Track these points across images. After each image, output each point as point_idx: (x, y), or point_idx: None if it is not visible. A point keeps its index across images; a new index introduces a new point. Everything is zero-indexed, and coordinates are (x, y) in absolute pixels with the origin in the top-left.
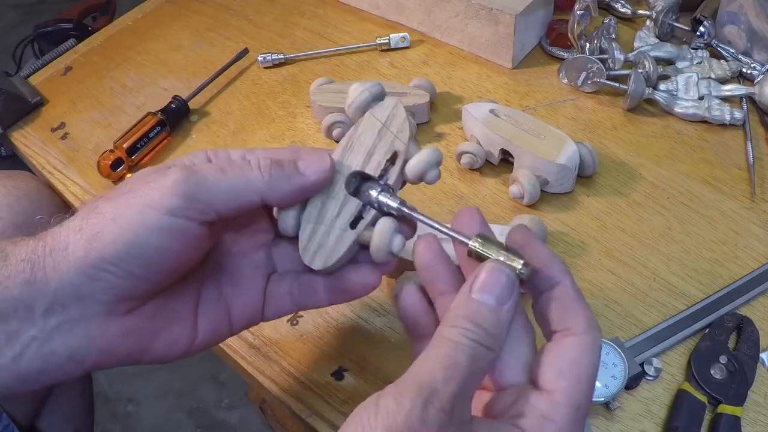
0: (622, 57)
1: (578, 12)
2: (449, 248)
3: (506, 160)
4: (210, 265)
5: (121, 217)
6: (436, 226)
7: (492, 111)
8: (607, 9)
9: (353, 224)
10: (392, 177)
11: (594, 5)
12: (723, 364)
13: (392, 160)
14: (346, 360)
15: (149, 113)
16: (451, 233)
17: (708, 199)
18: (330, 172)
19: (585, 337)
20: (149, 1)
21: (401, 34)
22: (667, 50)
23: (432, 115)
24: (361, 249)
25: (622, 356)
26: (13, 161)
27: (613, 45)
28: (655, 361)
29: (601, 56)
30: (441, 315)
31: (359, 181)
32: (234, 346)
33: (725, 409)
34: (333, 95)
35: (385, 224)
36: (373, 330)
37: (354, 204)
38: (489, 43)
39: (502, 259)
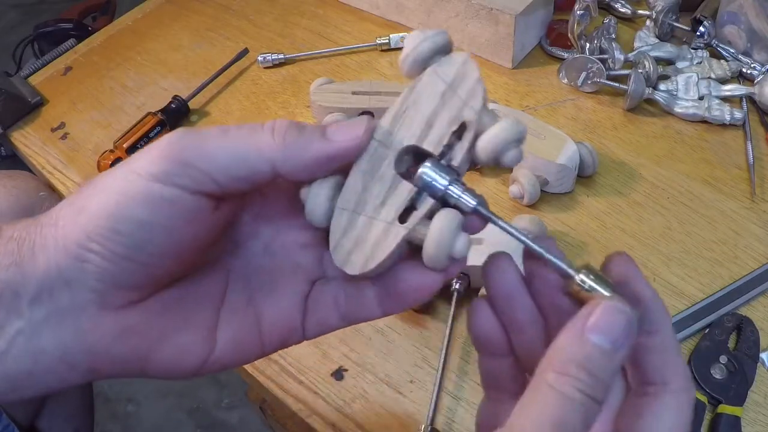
0: (622, 57)
1: (578, 12)
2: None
3: None
4: (239, 261)
5: (107, 186)
6: (534, 246)
7: (492, 111)
8: (607, 9)
9: (403, 217)
10: (458, 156)
11: (594, 5)
12: (723, 364)
13: (459, 133)
14: (346, 360)
15: (149, 113)
16: (553, 260)
17: (708, 199)
18: (364, 138)
19: (685, 396)
20: (149, 1)
21: (401, 34)
22: (667, 50)
23: None
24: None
25: None
26: (13, 161)
27: (613, 45)
28: None
29: (601, 56)
30: (518, 348)
31: (414, 160)
32: None
33: (725, 409)
34: (333, 95)
35: (446, 219)
36: (373, 330)
37: (405, 189)
38: (489, 43)
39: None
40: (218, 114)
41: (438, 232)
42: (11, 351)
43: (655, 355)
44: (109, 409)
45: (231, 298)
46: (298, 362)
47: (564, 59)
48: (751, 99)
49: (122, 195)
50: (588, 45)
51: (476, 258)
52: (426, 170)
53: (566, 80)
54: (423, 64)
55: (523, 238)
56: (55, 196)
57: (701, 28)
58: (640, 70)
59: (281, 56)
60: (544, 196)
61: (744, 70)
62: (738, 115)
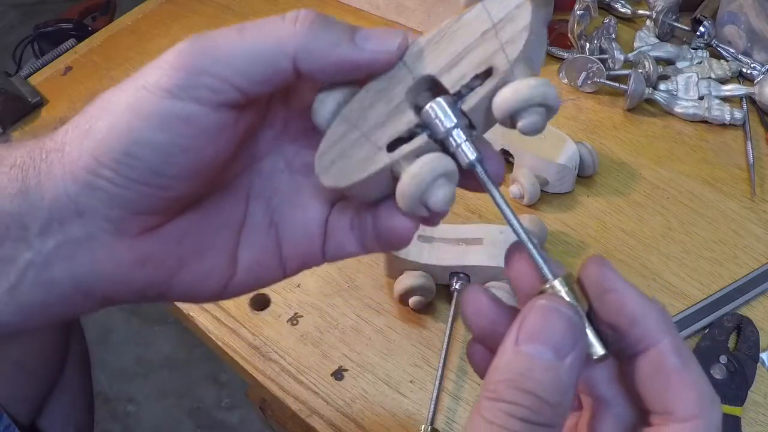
0: (622, 57)
1: (578, 12)
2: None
3: (506, 160)
4: (260, 180)
5: (115, 104)
6: (522, 235)
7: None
8: (607, 9)
9: (393, 146)
10: (472, 101)
11: (594, 5)
12: (723, 364)
13: (483, 77)
14: (346, 360)
15: None
16: (535, 256)
17: (708, 199)
18: (396, 54)
19: (694, 424)
20: (149, 1)
21: None
22: (667, 50)
23: None
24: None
25: None
26: None
27: (613, 45)
28: None
29: (601, 56)
30: None
31: (426, 91)
32: (234, 346)
33: (725, 409)
34: None
35: (429, 161)
36: (373, 330)
37: (407, 118)
38: None
39: (567, 299)
40: None
41: (416, 170)
42: (23, 284)
43: (652, 377)
44: (109, 409)
45: (251, 220)
46: (298, 362)
47: (564, 59)
48: (751, 99)
49: (133, 116)
50: (588, 45)
51: (476, 258)
52: (434, 105)
53: (566, 80)
54: None
55: (515, 222)
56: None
57: (701, 28)
58: (640, 70)
59: None
60: (544, 196)
61: (744, 70)
62: (738, 115)
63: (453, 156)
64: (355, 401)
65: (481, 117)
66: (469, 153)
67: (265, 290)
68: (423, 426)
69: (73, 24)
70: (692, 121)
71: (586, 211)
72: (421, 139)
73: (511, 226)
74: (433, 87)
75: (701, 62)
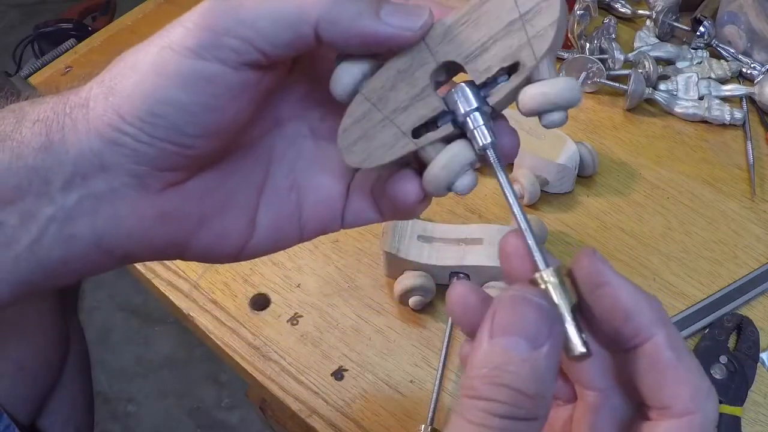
0: (622, 57)
1: (578, 12)
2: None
3: None
4: (283, 142)
5: (140, 63)
6: (522, 221)
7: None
8: (607, 9)
9: (417, 132)
10: (498, 95)
11: (594, 5)
12: (723, 364)
13: (508, 70)
14: (346, 360)
15: None
16: (531, 245)
17: (708, 199)
18: (420, 33)
19: (690, 419)
20: (149, 1)
21: None
22: (667, 50)
23: None
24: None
25: None
26: None
27: (613, 45)
28: None
29: (601, 56)
30: None
31: (448, 72)
32: (234, 346)
33: (725, 409)
34: None
35: (459, 151)
36: (373, 330)
37: (432, 104)
38: None
39: (556, 300)
40: None
41: (446, 161)
42: (44, 239)
43: (647, 372)
44: (109, 409)
45: (272, 183)
46: (298, 362)
47: (564, 59)
48: (751, 99)
49: (157, 75)
50: (588, 45)
51: (476, 258)
52: (459, 89)
53: None
54: None
55: (517, 208)
56: None
57: (701, 28)
58: (640, 70)
59: None
60: (544, 196)
61: (744, 70)
62: (738, 115)
63: (469, 138)
64: (355, 401)
65: (504, 107)
66: (484, 137)
67: (265, 290)
68: (423, 426)
69: (73, 24)
70: (692, 121)
71: (586, 211)
72: (447, 128)
73: (513, 212)
74: (454, 71)
75: (701, 62)
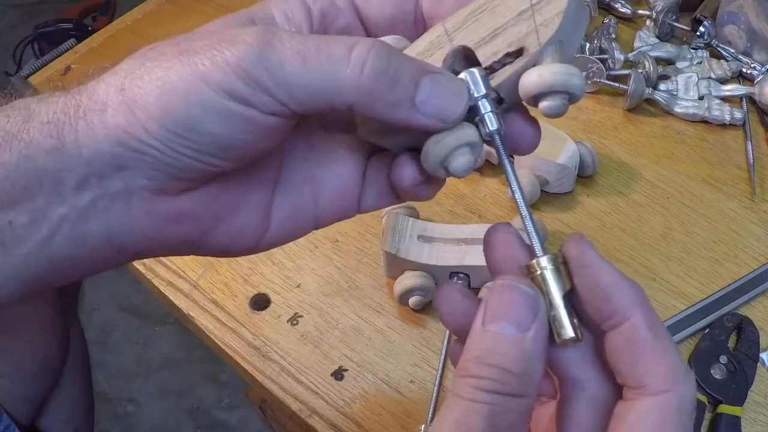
0: (622, 57)
1: None
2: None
3: None
4: (293, 137)
5: (170, 85)
6: (523, 209)
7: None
8: (607, 9)
9: None
10: (500, 77)
11: (594, 5)
12: (723, 364)
13: (515, 55)
14: (346, 360)
15: None
16: (531, 231)
17: (708, 199)
18: (455, 122)
19: (666, 397)
20: (149, 1)
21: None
22: (667, 50)
23: None
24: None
25: None
26: None
27: (613, 45)
28: None
29: (601, 56)
30: None
31: (462, 60)
32: (234, 346)
33: (725, 409)
34: None
35: (455, 131)
36: (373, 330)
37: None
38: None
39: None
40: None
41: (441, 136)
42: (56, 237)
43: (624, 351)
44: (109, 409)
45: (286, 177)
46: (298, 362)
47: None
48: (751, 99)
49: (192, 105)
50: (588, 45)
51: (476, 258)
52: (467, 75)
53: None
54: None
55: (518, 195)
56: None
57: (701, 28)
58: (640, 70)
59: None
60: (544, 196)
61: (744, 70)
62: (738, 115)
63: (477, 124)
64: (355, 401)
65: (508, 93)
66: (491, 123)
67: (265, 290)
68: (423, 426)
69: (73, 24)
70: (692, 121)
71: (586, 211)
72: None
73: (515, 198)
74: (469, 57)
75: (701, 62)
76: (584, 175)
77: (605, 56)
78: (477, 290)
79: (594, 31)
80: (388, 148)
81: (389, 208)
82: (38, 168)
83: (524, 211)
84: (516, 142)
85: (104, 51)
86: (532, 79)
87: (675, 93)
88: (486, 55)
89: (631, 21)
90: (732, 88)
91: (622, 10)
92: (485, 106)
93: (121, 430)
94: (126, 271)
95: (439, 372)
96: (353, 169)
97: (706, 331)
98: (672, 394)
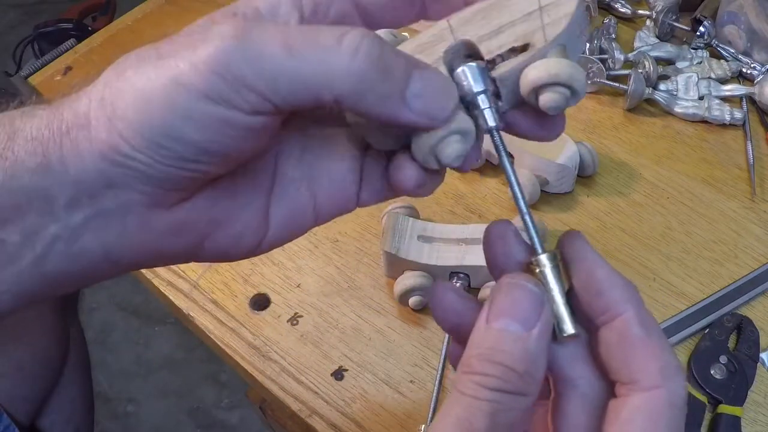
0: (622, 57)
1: None
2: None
3: None
4: (288, 138)
5: (147, 93)
6: (522, 206)
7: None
8: (607, 9)
9: None
10: (502, 69)
11: (594, 5)
12: (723, 364)
13: (519, 51)
14: (346, 360)
15: None
16: (530, 228)
17: (708, 199)
18: (444, 121)
19: (658, 392)
20: (149, 1)
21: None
22: (667, 50)
23: None
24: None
25: None
26: None
27: (613, 45)
28: None
29: (601, 56)
30: None
31: (465, 56)
32: (234, 346)
33: (725, 409)
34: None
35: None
36: (373, 330)
37: None
38: None
39: (556, 293)
40: None
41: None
42: (50, 255)
43: (616, 347)
44: (109, 409)
45: (282, 179)
46: (298, 362)
47: None
48: (751, 99)
49: (169, 112)
50: (588, 45)
51: (476, 258)
52: (466, 69)
53: None
54: None
55: (518, 194)
56: None
57: (701, 28)
58: (640, 70)
59: None
60: (544, 196)
61: (744, 70)
62: (738, 115)
63: (476, 120)
64: (355, 401)
65: (508, 89)
66: (490, 119)
67: (265, 290)
68: (423, 426)
69: (73, 24)
70: (692, 121)
71: (586, 211)
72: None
73: (514, 196)
74: (472, 53)
75: (701, 62)
76: (584, 175)
77: (605, 56)
78: (477, 290)
79: (594, 31)
80: (374, 146)
81: (389, 207)
82: (25, 187)
83: (524, 210)
84: (526, 134)
85: (104, 51)
86: (536, 69)
87: (675, 93)
88: (489, 48)
89: (631, 21)
90: (732, 88)
91: (622, 10)
92: (484, 102)
93: (121, 430)
94: None
95: (439, 372)
96: (350, 163)
97: (706, 331)
98: (663, 390)
